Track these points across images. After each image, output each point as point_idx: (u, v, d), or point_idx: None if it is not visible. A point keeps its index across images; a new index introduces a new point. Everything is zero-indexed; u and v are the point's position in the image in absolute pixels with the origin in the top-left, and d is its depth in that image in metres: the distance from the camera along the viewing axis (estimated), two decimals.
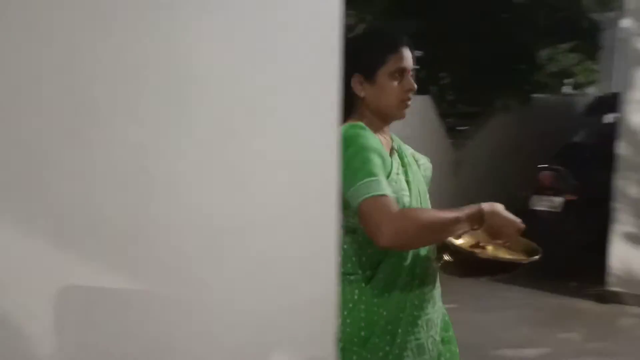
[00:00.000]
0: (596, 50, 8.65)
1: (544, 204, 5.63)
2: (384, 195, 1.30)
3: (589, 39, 8.71)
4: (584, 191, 5.71)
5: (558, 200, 5.56)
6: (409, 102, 1.48)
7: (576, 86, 9.75)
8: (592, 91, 9.94)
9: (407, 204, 1.42)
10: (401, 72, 1.45)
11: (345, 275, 1.42)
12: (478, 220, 1.38)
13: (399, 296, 1.43)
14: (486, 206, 1.40)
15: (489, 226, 1.40)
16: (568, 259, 5.07)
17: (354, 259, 1.43)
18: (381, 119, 1.50)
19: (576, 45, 9.23)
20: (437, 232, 1.37)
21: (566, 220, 5.56)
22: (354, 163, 1.32)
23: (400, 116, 1.50)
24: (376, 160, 1.35)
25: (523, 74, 7.68)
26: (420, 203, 1.49)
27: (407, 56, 1.47)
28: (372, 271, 1.43)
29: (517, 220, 1.43)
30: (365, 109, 1.48)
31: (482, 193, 3.05)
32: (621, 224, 4.06)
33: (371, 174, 1.32)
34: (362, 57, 1.45)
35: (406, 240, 1.33)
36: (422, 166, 1.58)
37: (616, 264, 4.15)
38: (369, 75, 1.45)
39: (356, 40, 1.57)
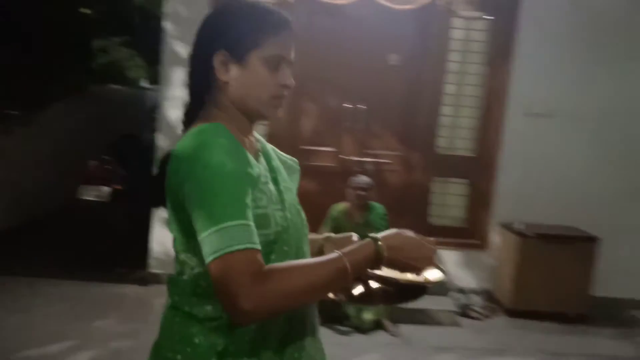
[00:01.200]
0: (146, 47, 9.09)
1: (92, 193, 5.72)
2: (249, 250, 1.01)
3: (139, 36, 9.14)
4: (131, 181, 6.05)
5: (106, 190, 5.74)
6: (283, 102, 1.21)
7: (128, 81, 10.07)
8: (147, 86, 10.46)
9: (279, 222, 1.15)
10: (279, 61, 1.18)
11: (203, 322, 1.13)
12: (375, 262, 1.12)
13: (276, 341, 1.16)
14: (384, 242, 1.13)
15: (392, 263, 1.14)
16: (115, 246, 5.24)
17: (216, 299, 1.05)
18: (247, 116, 1.21)
19: (127, 40, 9.57)
20: (317, 295, 1.13)
21: (113, 209, 5.80)
22: (211, 192, 1.03)
23: (272, 115, 1.23)
24: (240, 188, 1.05)
25: (74, 63, 7.46)
26: (298, 219, 1.23)
27: (290, 45, 1.21)
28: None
29: (429, 244, 1.19)
30: (226, 100, 1.19)
31: None
32: (161, 210, 4.38)
33: (233, 215, 1.02)
34: (232, 30, 1.16)
35: (273, 313, 1.06)
36: (289, 169, 1.31)
37: (156, 247, 4.48)
38: (238, 55, 1.16)
39: (228, 10, 1.21)
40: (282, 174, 1.25)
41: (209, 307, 1.12)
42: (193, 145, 1.07)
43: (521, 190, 4.59)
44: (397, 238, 1.16)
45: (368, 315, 3.85)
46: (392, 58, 4.66)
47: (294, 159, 1.35)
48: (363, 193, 3.97)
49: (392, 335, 3.86)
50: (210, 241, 1.00)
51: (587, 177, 4.57)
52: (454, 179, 4.79)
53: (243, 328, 1.10)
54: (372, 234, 1.15)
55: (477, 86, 4.69)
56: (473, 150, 4.77)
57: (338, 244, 1.30)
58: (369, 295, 1.22)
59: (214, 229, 1.00)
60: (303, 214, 1.27)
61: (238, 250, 0.99)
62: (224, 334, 1.12)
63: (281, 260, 1.13)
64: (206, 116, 1.18)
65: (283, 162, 1.30)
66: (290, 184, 1.27)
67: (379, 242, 1.12)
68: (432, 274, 1.22)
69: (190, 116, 1.22)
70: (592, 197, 4.57)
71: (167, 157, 1.15)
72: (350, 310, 3.79)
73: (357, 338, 3.79)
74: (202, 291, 1.13)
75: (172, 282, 1.20)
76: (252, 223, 1.03)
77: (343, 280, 1.09)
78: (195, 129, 1.13)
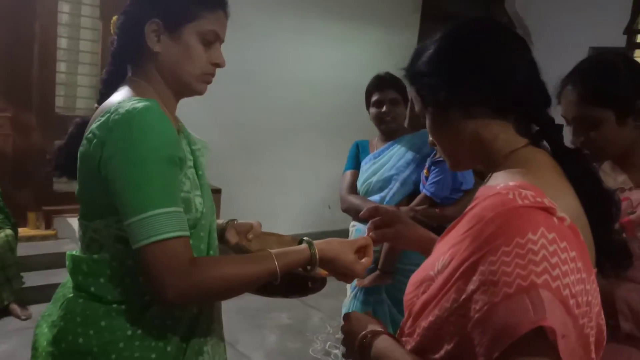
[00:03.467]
0: None
1: None
2: (181, 238, 0.99)
3: None
4: None
5: None
6: (211, 79, 1.19)
7: None
8: None
9: (199, 208, 1.13)
10: (213, 38, 1.15)
11: (110, 305, 1.07)
12: (304, 268, 1.14)
13: (185, 326, 1.13)
14: (320, 253, 1.13)
15: (327, 268, 1.18)
16: None
17: (127, 280, 1.07)
18: (174, 91, 1.17)
19: None
20: (241, 291, 1.08)
21: None
22: (144, 176, 0.98)
23: (201, 91, 1.19)
24: (173, 173, 1.02)
25: None
26: (211, 204, 1.20)
27: (224, 23, 1.18)
28: (147, 298, 1.08)
29: (360, 266, 1.18)
30: (154, 71, 1.14)
31: None
32: None
33: (166, 201, 0.99)
34: (169, 1, 1.12)
35: (197, 300, 1.09)
36: (201, 151, 1.24)
37: None
38: (173, 26, 1.12)
39: None
40: (201, 158, 1.22)
41: (118, 290, 1.08)
42: (127, 121, 0.99)
43: None
44: (332, 252, 1.15)
45: None
46: None
47: (203, 140, 1.30)
48: None
49: (25, 319, 3.50)
50: (140, 226, 0.97)
51: (209, 136, 4.91)
52: None
53: (152, 312, 1.08)
54: (308, 240, 1.15)
55: (94, 42, 4.47)
56: (94, 109, 4.48)
57: (240, 231, 1.37)
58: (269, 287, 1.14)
59: (146, 214, 0.97)
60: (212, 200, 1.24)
61: (170, 238, 0.97)
62: (133, 318, 1.08)
63: (198, 246, 1.13)
64: (133, 87, 1.11)
65: (196, 144, 1.25)
66: (204, 167, 1.23)
67: (314, 252, 1.13)
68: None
69: (110, 85, 1.17)
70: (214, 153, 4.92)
71: (80, 125, 1.14)
72: None
73: None
74: (112, 273, 1.09)
75: (75, 261, 1.13)
76: (182, 210, 1.02)
77: (269, 280, 1.08)
78: (127, 102, 1.02)
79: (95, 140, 1.02)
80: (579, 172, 0.87)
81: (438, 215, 2.11)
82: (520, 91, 0.87)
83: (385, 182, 2.24)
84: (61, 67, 4.40)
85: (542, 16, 7.25)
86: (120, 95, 1.09)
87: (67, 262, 1.16)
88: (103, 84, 1.20)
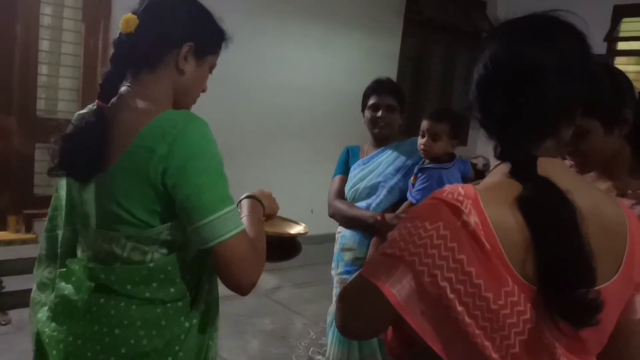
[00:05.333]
0: None
1: None
2: (243, 231, 1.14)
3: None
4: None
5: None
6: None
7: None
8: None
9: None
10: (210, 71, 1.31)
11: (165, 305, 1.17)
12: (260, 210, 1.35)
13: (216, 308, 1.30)
14: (258, 194, 1.38)
15: (267, 210, 1.38)
16: None
17: (177, 279, 1.18)
18: (176, 105, 1.24)
19: None
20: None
21: None
22: (214, 180, 1.12)
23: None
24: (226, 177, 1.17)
25: None
26: None
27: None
28: (194, 292, 1.23)
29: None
30: (170, 87, 1.22)
31: None
32: None
33: (230, 200, 1.14)
34: (207, 30, 1.26)
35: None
36: None
37: None
38: (200, 53, 1.24)
39: (207, 10, 1.28)
40: None
41: (172, 289, 1.17)
42: (192, 134, 1.09)
43: None
44: (260, 191, 1.40)
45: None
46: None
47: None
48: None
49: (5, 324, 3.44)
50: (214, 225, 1.08)
51: None
52: None
53: (199, 303, 1.22)
54: (247, 194, 1.36)
55: (76, 44, 4.42)
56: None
57: None
58: None
59: (219, 213, 1.08)
60: None
61: (239, 232, 1.11)
62: (186, 312, 1.20)
63: None
64: (150, 98, 1.16)
65: None
66: None
67: (256, 196, 1.36)
68: (295, 229, 1.48)
69: (112, 85, 1.20)
70: None
71: (92, 125, 1.16)
72: None
73: None
74: (165, 276, 1.16)
75: (117, 273, 1.16)
76: None
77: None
78: (180, 117, 1.11)
79: (155, 155, 1.08)
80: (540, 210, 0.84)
81: None
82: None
83: (373, 189, 2.24)
84: (43, 69, 4.34)
85: None
86: (144, 104, 1.15)
87: (102, 276, 1.16)
88: (105, 83, 1.21)
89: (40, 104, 4.35)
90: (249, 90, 5.05)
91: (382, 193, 2.22)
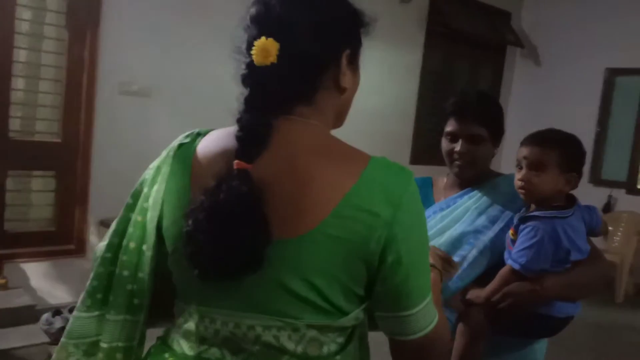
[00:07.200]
0: None
1: None
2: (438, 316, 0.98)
3: None
4: None
5: None
6: None
7: None
8: None
9: None
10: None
11: None
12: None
13: None
14: (437, 263, 1.19)
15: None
16: None
17: None
18: None
19: None
20: None
21: None
22: (426, 257, 0.94)
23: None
24: None
25: None
26: None
27: None
28: None
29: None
30: (331, 111, 0.97)
31: None
32: None
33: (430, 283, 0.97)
34: (353, 22, 0.96)
35: None
36: None
37: None
38: (356, 60, 0.97)
39: (356, 7, 0.97)
40: None
41: None
42: (414, 195, 0.88)
43: (121, 180, 3.96)
44: (434, 259, 1.22)
45: None
46: None
47: None
48: None
49: None
50: (423, 314, 0.91)
51: None
52: (36, 172, 3.81)
53: None
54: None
55: (59, 54, 3.80)
56: (58, 134, 3.85)
57: None
58: None
59: (427, 299, 0.91)
60: None
61: (438, 321, 0.94)
62: None
63: None
64: (324, 139, 0.92)
65: None
66: None
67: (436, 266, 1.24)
68: None
69: (255, 139, 0.88)
70: None
71: (244, 179, 0.84)
72: None
73: None
74: None
75: None
76: None
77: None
78: (396, 171, 0.89)
79: (380, 220, 0.85)
80: None
81: (536, 295, 1.45)
82: None
83: (455, 246, 1.57)
84: (18, 83, 3.72)
85: (552, 35, 6.76)
86: (330, 151, 0.90)
87: None
88: (249, 135, 0.89)
89: (15, 124, 3.70)
90: None
91: (471, 254, 1.54)
